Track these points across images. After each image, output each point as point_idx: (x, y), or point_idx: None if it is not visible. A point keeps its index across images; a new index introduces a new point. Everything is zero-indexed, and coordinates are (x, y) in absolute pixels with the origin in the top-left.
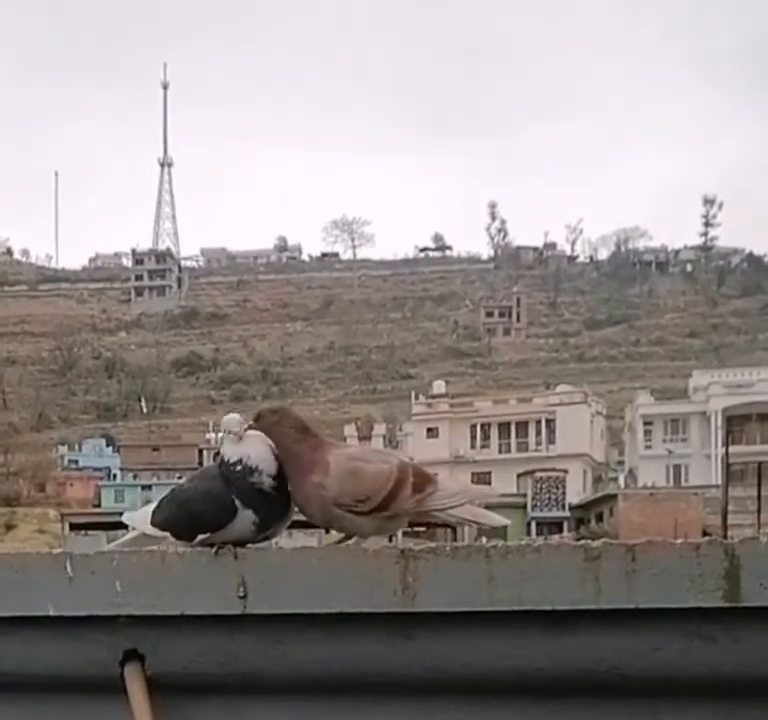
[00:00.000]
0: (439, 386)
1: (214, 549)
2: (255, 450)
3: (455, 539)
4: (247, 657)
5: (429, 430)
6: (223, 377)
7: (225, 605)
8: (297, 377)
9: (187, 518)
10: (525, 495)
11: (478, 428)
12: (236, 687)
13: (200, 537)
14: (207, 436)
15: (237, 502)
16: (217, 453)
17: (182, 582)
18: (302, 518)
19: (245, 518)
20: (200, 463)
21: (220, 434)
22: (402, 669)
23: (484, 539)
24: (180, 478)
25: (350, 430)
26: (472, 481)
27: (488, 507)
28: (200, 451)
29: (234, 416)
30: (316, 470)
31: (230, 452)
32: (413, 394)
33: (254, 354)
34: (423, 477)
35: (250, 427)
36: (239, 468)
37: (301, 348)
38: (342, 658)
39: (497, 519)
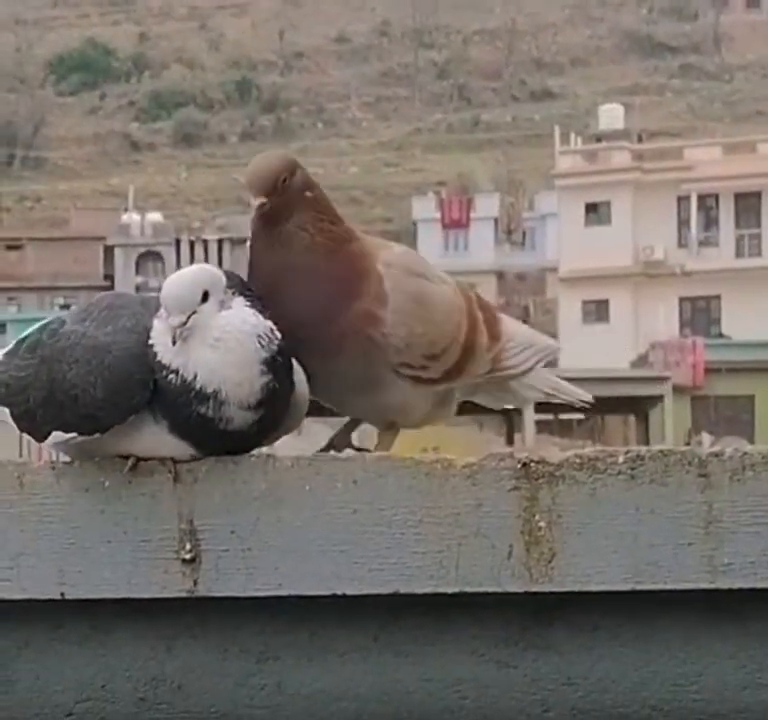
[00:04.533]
0: (612, 115)
1: (130, 462)
2: (222, 360)
3: (646, 436)
4: (194, 684)
5: (591, 208)
6: (157, 94)
7: (151, 578)
8: (312, 94)
9: (50, 389)
10: None
11: (693, 203)
12: None
13: (67, 438)
14: (123, 218)
15: (157, 410)
16: (143, 256)
17: (56, 529)
18: None
19: (162, 437)
20: (108, 278)
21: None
22: (517, 706)
23: (706, 437)
24: (66, 308)
25: (424, 207)
26: (680, 313)
27: (713, 367)
28: (108, 251)
29: (193, 273)
30: (364, 290)
31: (167, 354)
32: (557, 131)
33: (222, 45)
34: (491, 313)
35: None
36: (175, 381)
37: (320, 33)
38: (394, 688)
39: (581, 393)
